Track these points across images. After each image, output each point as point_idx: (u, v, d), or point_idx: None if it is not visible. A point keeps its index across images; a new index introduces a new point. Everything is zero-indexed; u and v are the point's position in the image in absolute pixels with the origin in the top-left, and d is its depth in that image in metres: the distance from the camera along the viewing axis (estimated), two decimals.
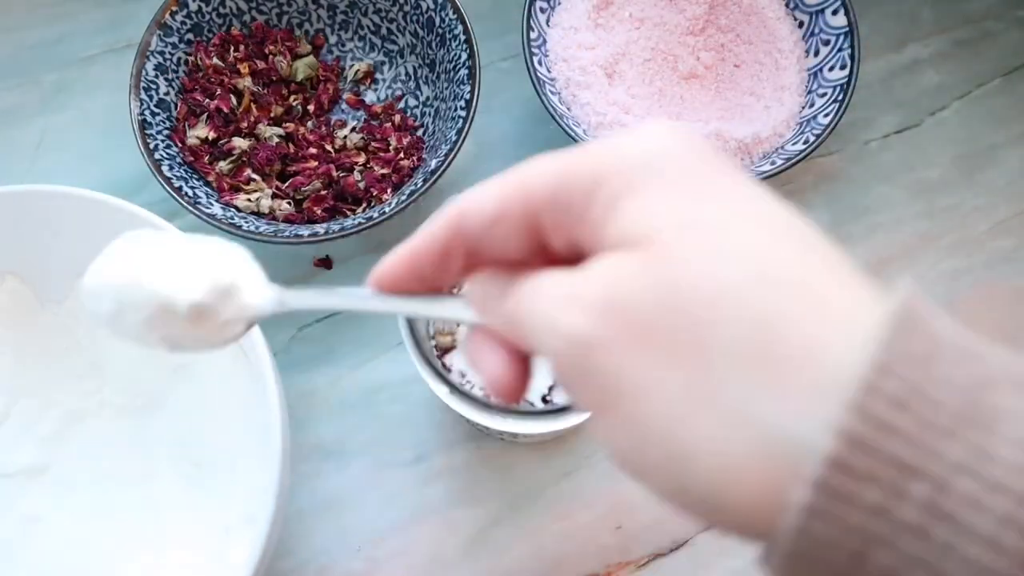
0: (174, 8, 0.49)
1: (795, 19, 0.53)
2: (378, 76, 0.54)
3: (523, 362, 0.23)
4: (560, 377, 0.20)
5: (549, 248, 0.22)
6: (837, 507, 0.16)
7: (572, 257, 0.21)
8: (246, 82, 0.51)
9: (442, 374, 0.35)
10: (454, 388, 0.35)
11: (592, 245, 0.20)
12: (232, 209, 0.47)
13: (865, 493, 0.16)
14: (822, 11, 0.51)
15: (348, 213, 0.48)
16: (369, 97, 0.53)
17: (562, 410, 0.35)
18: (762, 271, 0.18)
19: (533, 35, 0.50)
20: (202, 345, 0.25)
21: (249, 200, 0.48)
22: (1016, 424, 0.16)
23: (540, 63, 0.50)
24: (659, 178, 0.19)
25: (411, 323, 0.36)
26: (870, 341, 0.17)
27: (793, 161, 0.47)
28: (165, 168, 0.46)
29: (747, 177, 0.20)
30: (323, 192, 0.48)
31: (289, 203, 0.48)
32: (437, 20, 0.50)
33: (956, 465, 0.16)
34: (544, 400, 0.41)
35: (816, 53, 0.52)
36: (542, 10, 0.51)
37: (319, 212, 0.48)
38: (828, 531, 0.16)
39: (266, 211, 0.48)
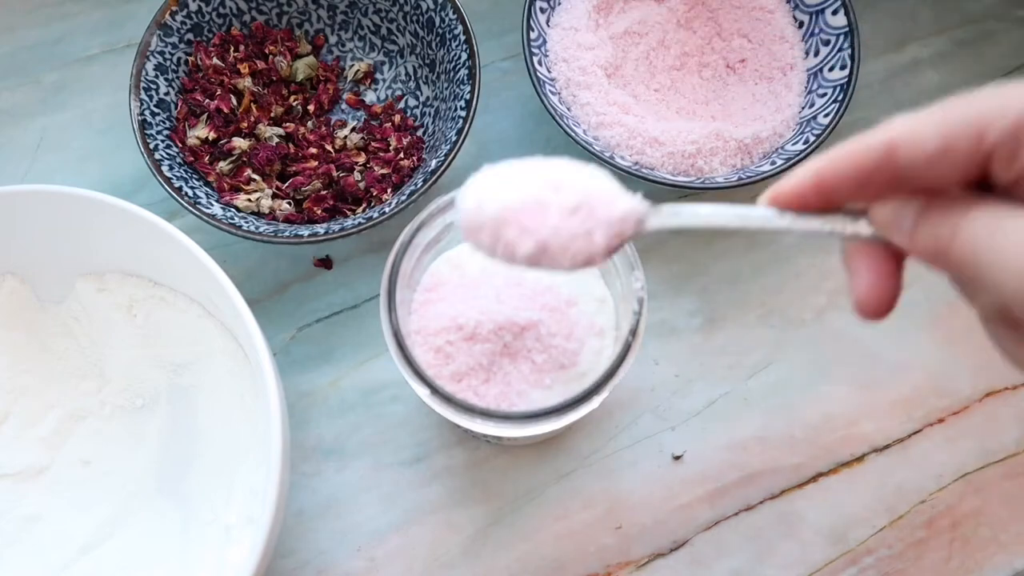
0: (174, 8, 0.49)
1: (795, 19, 0.53)
2: (378, 76, 0.54)
3: (897, 282, 0.24)
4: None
5: (987, 180, 0.22)
6: None
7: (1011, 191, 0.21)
8: (246, 82, 0.51)
9: (423, 375, 0.35)
10: (435, 390, 0.35)
11: None
12: (232, 209, 0.47)
13: None
14: (822, 11, 0.51)
15: (348, 213, 0.48)
16: (369, 97, 0.53)
17: (542, 414, 0.35)
18: None
19: (533, 35, 0.50)
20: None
21: (249, 200, 0.48)
22: None
23: (540, 63, 0.50)
24: None
25: (394, 325, 0.36)
26: None
27: (793, 161, 0.47)
28: (165, 168, 0.46)
29: None
30: (323, 192, 0.48)
31: (289, 203, 0.48)
32: (437, 20, 0.50)
33: None
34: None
35: (816, 53, 0.52)
36: (542, 10, 0.51)
37: (319, 212, 0.48)
38: None
39: (266, 211, 0.48)
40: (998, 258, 0.20)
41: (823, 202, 0.24)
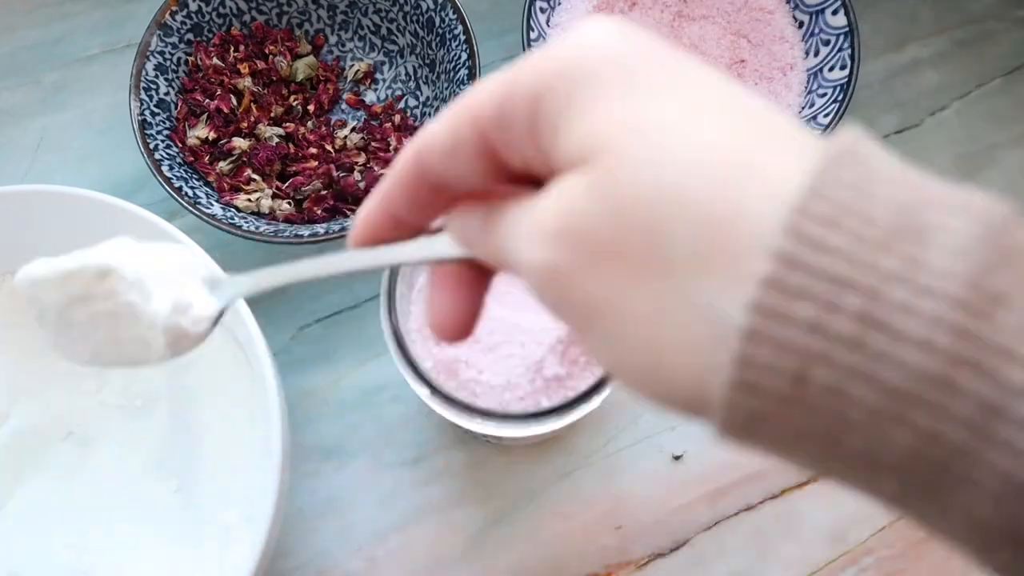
0: (174, 8, 0.49)
1: (795, 19, 0.53)
2: (378, 76, 0.54)
3: (473, 306, 0.23)
4: (544, 304, 0.20)
5: (513, 171, 0.21)
6: (773, 327, 0.16)
7: (537, 178, 0.20)
8: (246, 82, 0.51)
9: (423, 376, 0.35)
10: (435, 390, 0.35)
11: (545, 167, 0.20)
12: (232, 209, 0.47)
13: (799, 310, 0.16)
14: (822, 11, 0.51)
15: (348, 213, 0.48)
16: (369, 97, 0.53)
17: (542, 414, 0.35)
18: (703, 162, 0.17)
19: (533, 35, 0.50)
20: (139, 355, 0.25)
21: (249, 200, 0.48)
22: (949, 236, 0.16)
23: None
24: (597, 86, 0.19)
25: (394, 325, 0.36)
26: (803, 179, 0.17)
27: None
28: (165, 168, 0.46)
29: (695, 64, 0.19)
30: (323, 192, 0.48)
31: (289, 203, 0.48)
32: (437, 20, 0.50)
33: (889, 275, 0.16)
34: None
35: (816, 53, 0.52)
36: (542, 10, 0.51)
37: (319, 212, 0.48)
38: (767, 354, 0.16)
39: (266, 211, 0.48)
40: (510, 255, 0.20)
41: (396, 227, 0.23)
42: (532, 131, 0.19)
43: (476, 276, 0.23)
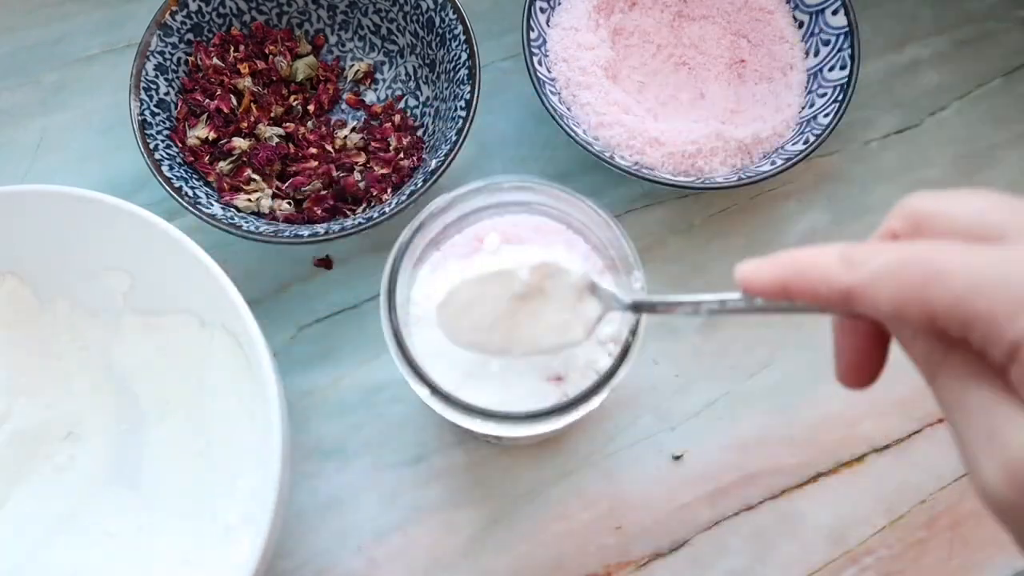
0: (174, 8, 0.49)
1: (795, 19, 0.53)
2: (378, 76, 0.54)
3: (879, 360, 0.25)
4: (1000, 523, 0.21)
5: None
6: None
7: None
8: (246, 82, 0.51)
9: (423, 376, 0.35)
10: (435, 390, 0.35)
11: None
12: (232, 209, 0.47)
13: None
14: (822, 11, 0.51)
15: (348, 213, 0.48)
16: (369, 97, 0.53)
17: (542, 414, 0.35)
18: None
19: (533, 35, 0.50)
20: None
21: (249, 200, 0.48)
22: None
23: (540, 63, 0.50)
24: None
25: (394, 325, 0.36)
26: None
27: (793, 161, 0.47)
28: (165, 168, 0.46)
29: None
30: (323, 192, 0.48)
31: (289, 203, 0.48)
32: (437, 20, 0.50)
33: None
34: None
35: (816, 53, 0.52)
36: (542, 10, 0.51)
37: (319, 212, 0.48)
38: None
39: (266, 211, 0.48)
40: (986, 463, 0.20)
41: (788, 299, 0.25)
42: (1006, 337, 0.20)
43: (881, 334, 0.25)
